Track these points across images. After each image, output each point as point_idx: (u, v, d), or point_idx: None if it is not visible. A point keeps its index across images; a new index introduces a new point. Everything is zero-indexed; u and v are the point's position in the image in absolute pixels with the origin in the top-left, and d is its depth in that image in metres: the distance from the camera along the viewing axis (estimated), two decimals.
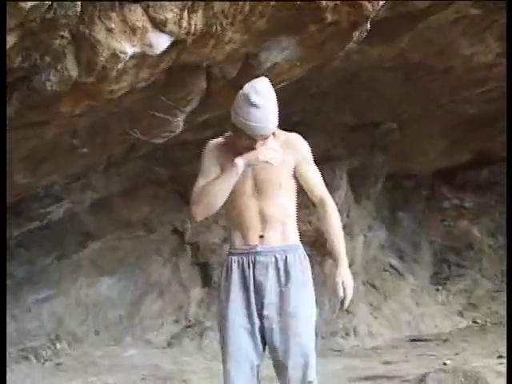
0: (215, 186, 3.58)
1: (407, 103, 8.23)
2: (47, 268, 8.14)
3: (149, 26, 3.86)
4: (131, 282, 8.60)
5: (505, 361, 6.92)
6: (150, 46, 3.96)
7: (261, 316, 3.57)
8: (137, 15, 3.79)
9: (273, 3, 4.25)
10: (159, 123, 5.55)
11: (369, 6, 4.64)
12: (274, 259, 3.60)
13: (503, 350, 7.59)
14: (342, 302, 3.62)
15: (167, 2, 3.81)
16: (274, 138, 3.62)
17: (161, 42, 3.99)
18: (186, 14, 3.91)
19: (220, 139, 3.71)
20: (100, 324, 8.37)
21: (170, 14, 3.84)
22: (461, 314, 10.57)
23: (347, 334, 9.22)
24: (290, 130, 3.78)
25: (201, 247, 9.01)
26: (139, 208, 8.63)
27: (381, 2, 4.68)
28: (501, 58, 7.30)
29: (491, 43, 6.98)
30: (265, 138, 3.52)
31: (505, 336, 9.04)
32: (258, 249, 3.58)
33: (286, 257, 3.62)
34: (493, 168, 11.95)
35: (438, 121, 9.20)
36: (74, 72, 3.95)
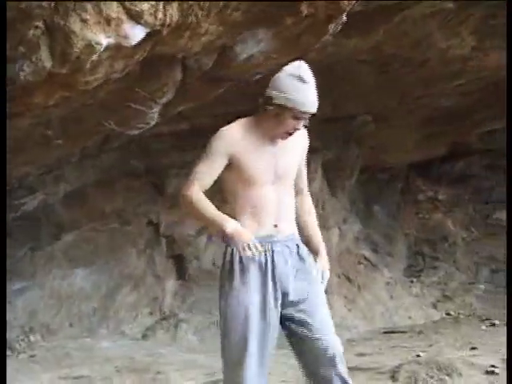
0: (198, 217, 3.59)
1: (382, 96, 8.25)
2: (21, 260, 8.10)
3: (124, 17, 3.83)
4: (106, 274, 8.57)
5: (478, 352, 7.00)
6: (125, 37, 3.94)
7: (283, 303, 3.60)
8: (112, 6, 3.76)
9: None
10: (134, 115, 5.53)
11: None
12: (287, 248, 3.64)
13: (476, 342, 7.67)
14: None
15: None
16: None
17: (136, 33, 3.97)
18: (161, 5, 3.89)
19: (236, 126, 3.68)
20: (74, 316, 8.33)
21: (145, 5, 3.82)
22: (434, 306, 10.63)
23: None
24: None
25: (176, 239, 8.99)
26: (114, 200, 8.60)
27: None
28: (476, 51, 7.35)
29: (466, 37, 7.02)
30: (307, 119, 3.59)
31: (478, 328, 9.15)
32: (274, 238, 3.60)
33: (298, 245, 3.71)
34: (467, 161, 12.03)
35: (413, 113, 9.23)
36: (48, 63, 3.92)
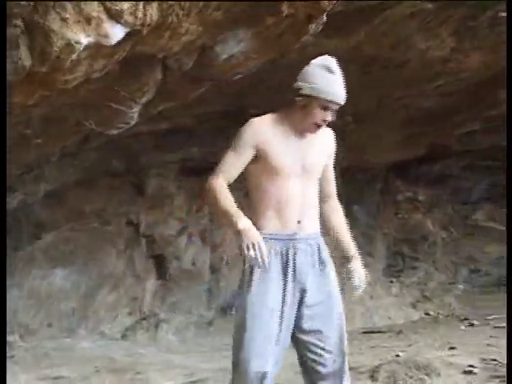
0: (216, 207, 3.61)
1: (362, 96, 8.26)
2: None
3: (104, 16, 3.82)
4: (85, 274, 8.55)
5: (456, 352, 7.03)
6: (105, 36, 3.92)
7: (300, 303, 3.60)
8: (92, 5, 3.75)
9: None
10: (114, 114, 5.51)
11: None
12: (310, 246, 3.63)
13: (455, 342, 7.70)
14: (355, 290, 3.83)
15: None
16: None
17: (116, 33, 3.95)
18: (141, 4, 3.88)
19: (266, 117, 3.72)
20: (53, 316, 8.30)
21: (125, 4, 3.80)
22: (414, 306, 10.68)
23: None
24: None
25: (156, 239, 8.98)
26: (94, 199, 8.58)
27: None
28: (455, 53, 7.37)
29: (446, 38, 7.03)
30: (335, 110, 3.62)
31: (457, 328, 9.20)
32: (297, 236, 3.59)
33: (319, 244, 3.69)
34: (446, 162, 12.08)
35: (393, 114, 9.26)
36: (27, 62, 3.90)
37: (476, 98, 9.19)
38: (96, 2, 3.74)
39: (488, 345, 7.46)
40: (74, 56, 3.96)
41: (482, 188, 12.83)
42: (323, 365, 3.64)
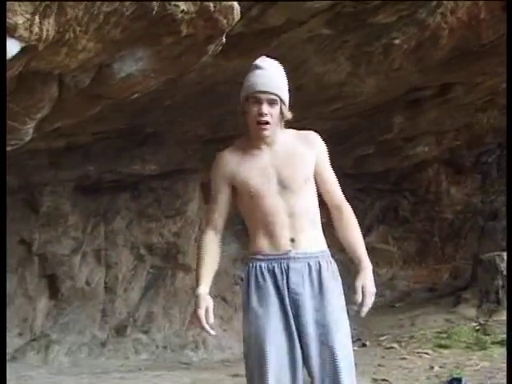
0: (196, 263, 3.62)
1: None
2: None
3: None
4: None
5: None
6: None
7: (298, 328, 3.39)
8: None
9: (128, 13, 4.20)
10: (7, 131, 5.38)
11: (224, 21, 4.67)
12: (307, 266, 3.43)
13: None
14: (360, 308, 3.38)
15: (17, 7, 3.69)
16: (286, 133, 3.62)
17: (10, 48, 3.87)
18: (37, 19, 3.80)
19: (228, 148, 3.65)
20: None
21: (20, 18, 3.72)
22: None
23: (197, 347, 9.23)
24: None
25: (49, 258, 8.80)
26: None
27: (236, 18, 4.72)
28: (351, 77, 7.52)
29: (342, 62, 7.17)
30: (270, 99, 3.47)
31: None
32: (292, 254, 3.43)
33: (320, 264, 3.47)
34: (341, 184, 12.26)
35: None
36: None
37: (371, 122, 9.39)
38: None
39: (379, 365, 7.59)
40: None
41: (376, 210, 13.08)
42: None
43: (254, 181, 3.49)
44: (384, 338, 9.70)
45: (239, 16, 4.78)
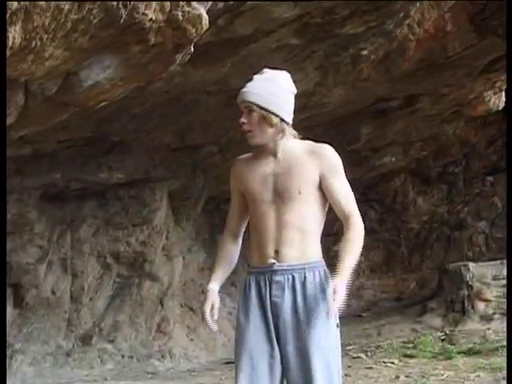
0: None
1: (228, 127, 8.33)
2: None
3: None
4: None
5: None
6: None
7: (278, 341, 3.37)
8: None
9: (95, 21, 4.19)
10: None
11: (192, 30, 4.67)
12: (291, 278, 3.39)
13: None
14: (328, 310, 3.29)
15: None
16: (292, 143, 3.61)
17: None
18: None
19: (244, 155, 3.69)
20: None
21: None
22: None
23: (163, 357, 9.19)
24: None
25: (14, 267, 8.71)
26: None
27: (204, 27, 4.72)
28: (319, 86, 7.55)
29: (310, 72, 7.20)
30: (247, 107, 3.48)
31: None
32: (275, 267, 3.40)
33: (305, 276, 3.40)
34: None
35: None
36: None
37: (338, 132, 9.44)
38: None
39: (346, 375, 7.60)
40: None
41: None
42: None
43: (255, 187, 3.53)
44: (351, 347, 9.72)
45: (207, 25, 4.79)
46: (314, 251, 3.50)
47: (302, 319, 3.35)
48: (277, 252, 3.42)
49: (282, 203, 3.43)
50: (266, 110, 3.50)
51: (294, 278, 3.40)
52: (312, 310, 3.35)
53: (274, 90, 3.56)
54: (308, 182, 3.48)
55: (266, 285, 3.42)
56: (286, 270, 3.41)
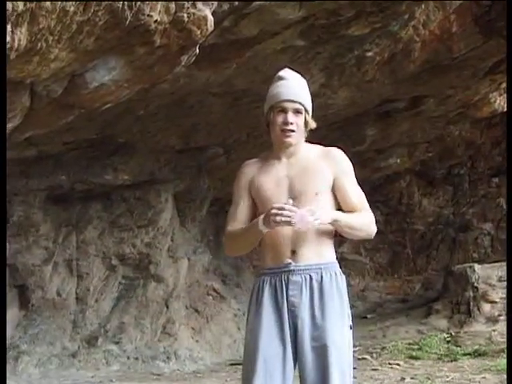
0: (240, 241, 3.56)
1: (233, 129, 8.33)
2: None
3: None
4: None
5: None
6: None
7: (294, 341, 3.39)
8: None
9: (101, 23, 4.19)
10: None
11: (197, 31, 4.68)
12: (308, 278, 3.43)
13: None
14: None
15: None
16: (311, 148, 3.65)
17: None
18: (9, 28, 3.78)
19: (255, 158, 3.70)
20: None
21: None
22: None
23: (168, 358, 9.18)
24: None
25: (19, 268, 8.72)
26: None
27: (209, 29, 4.72)
28: (324, 88, 7.54)
29: (315, 74, 7.19)
30: (295, 109, 3.50)
31: None
32: (292, 267, 3.42)
33: (322, 276, 3.45)
34: None
35: (262, 147, 9.36)
36: None
37: (343, 134, 9.43)
38: None
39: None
40: None
41: None
42: None
43: (268, 189, 3.54)
44: (356, 349, 9.70)
45: (213, 27, 4.79)
46: (329, 252, 3.55)
47: (319, 318, 3.39)
48: (294, 252, 3.45)
49: (299, 205, 3.42)
50: (308, 113, 3.61)
51: (311, 277, 3.44)
52: (328, 310, 3.41)
53: (308, 92, 3.66)
54: (324, 184, 3.53)
55: (282, 285, 3.44)
56: (304, 270, 3.44)
